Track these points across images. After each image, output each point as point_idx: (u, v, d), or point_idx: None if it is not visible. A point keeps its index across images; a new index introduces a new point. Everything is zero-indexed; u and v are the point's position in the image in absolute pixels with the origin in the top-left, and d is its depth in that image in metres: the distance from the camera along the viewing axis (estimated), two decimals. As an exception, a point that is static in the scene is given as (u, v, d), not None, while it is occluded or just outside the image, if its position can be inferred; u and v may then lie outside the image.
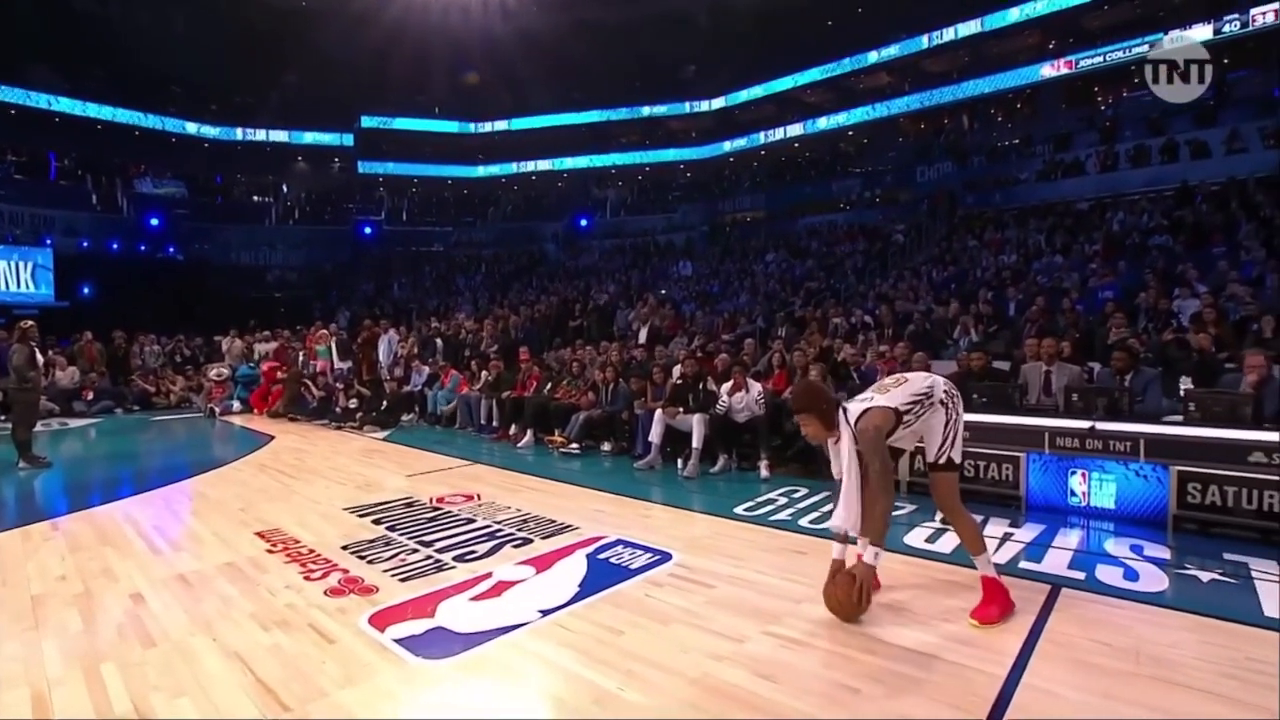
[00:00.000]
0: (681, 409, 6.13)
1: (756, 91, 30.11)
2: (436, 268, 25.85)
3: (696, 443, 5.87)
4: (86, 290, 19.09)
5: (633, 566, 3.58)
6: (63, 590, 3.35)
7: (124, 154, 25.44)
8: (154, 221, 22.97)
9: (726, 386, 6.24)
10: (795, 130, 29.33)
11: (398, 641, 2.73)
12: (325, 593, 3.26)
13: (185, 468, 6.47)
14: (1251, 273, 9.20)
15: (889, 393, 2.98)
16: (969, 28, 24.31)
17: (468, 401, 8.58)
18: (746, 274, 19.06)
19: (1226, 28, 19.35)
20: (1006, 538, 4.05)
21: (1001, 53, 24.24)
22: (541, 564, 3.64)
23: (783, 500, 4.98)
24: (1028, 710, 2.20)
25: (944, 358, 8.01)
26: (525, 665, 2.55)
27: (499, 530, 4.27)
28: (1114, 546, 3.94)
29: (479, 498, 5.11)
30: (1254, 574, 3.42)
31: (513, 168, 33.64)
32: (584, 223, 30.07)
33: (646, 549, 3.84)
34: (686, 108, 31.84)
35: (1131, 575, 3.45)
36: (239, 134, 28.64)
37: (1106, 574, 3.45)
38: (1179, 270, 9.90)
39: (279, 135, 29.53)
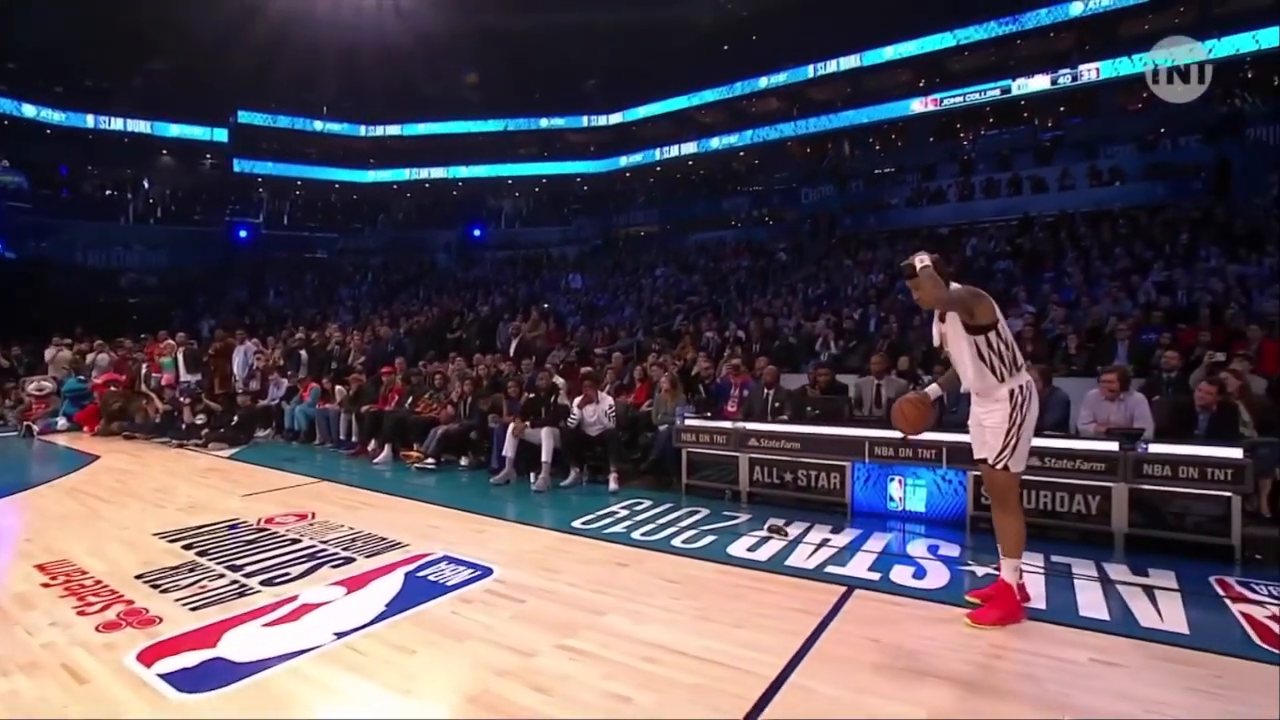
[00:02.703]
0: (530, 423, 6.11)
1: (654, 108, 30.77)
2: (319, 275, 24.53)
3: (546, 456, 5.86)
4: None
5: (450, 583, 3.52)
6: None
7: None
8: (-20, 214, 20.37)
9: (578, 400, 6.28)
10: (690, 148, 30.18)
11: (164, 676, 2.54)
12: (97, 628, 2.98)
13: (-24, 492, 5.75)
14: (1070, 296, 10.31)
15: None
16: (850, 61, 25.98)
17: (326, 416, 8.16)
18: (634, 288, 19.35)
19: (1061, 79, 21.74)
20: (823, 543, 4.29)
21: (878, 87, 26.05)
22: (354, 584, 3.51)
23: (624, 513, 5.05)
24: (786, 709, 2.33)
25: (801, 371, 8.43)
26: (298, 692, 2.44)
27: (322, 550, 4.08)
28: (914, 547, 4.27)
29: (313, 516, 4.87)
30: (1022, 568, 3.78)
31: (405, 174, 32.57)
32: (478, 233, 29.53)
33: (469, 564, 3.79)
34: (585, 121, 32.06)
35: (920, 574, 3.75)
36: (90, 121, 25.99)
37: (899, 574, 3.73)
38: (1013, 292, 10.95)
39: (139, 125, 27.08)
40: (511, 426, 6.00)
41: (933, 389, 3.14)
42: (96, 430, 9.01)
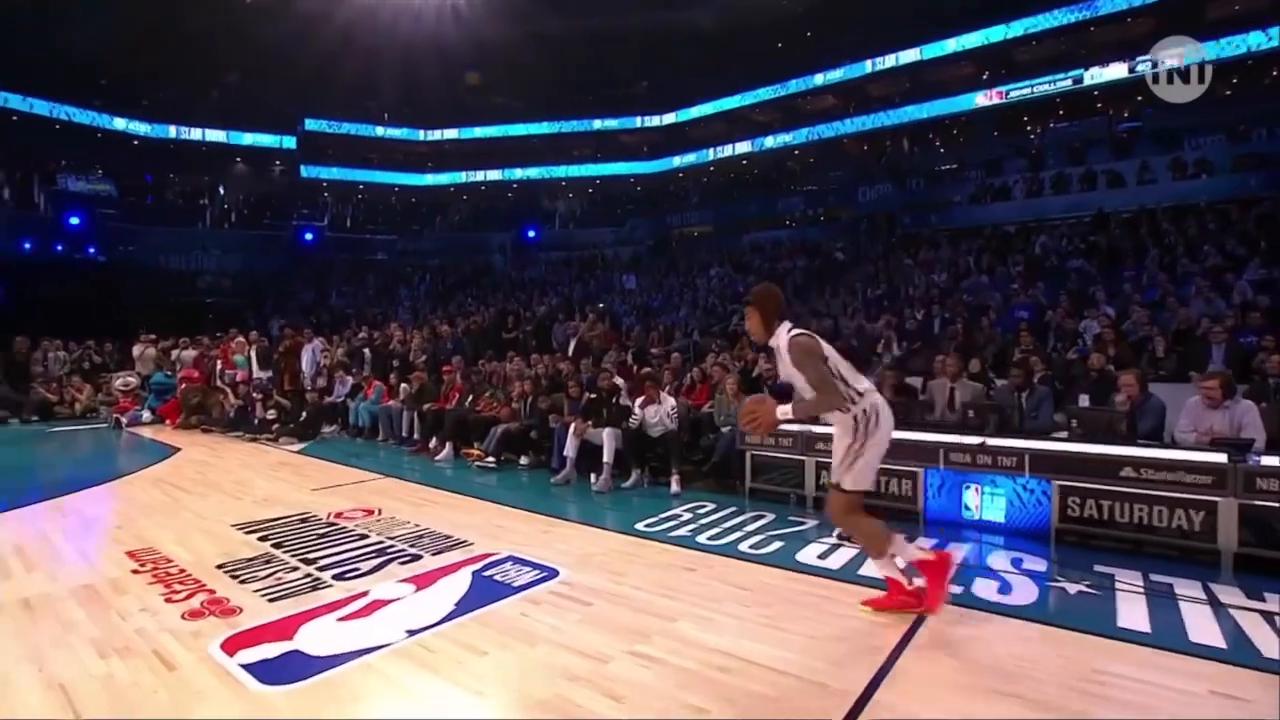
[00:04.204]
0: (593, 423, 6.08)
1: (707, 108, 30.56)
2: (380, 276, 25.28)
3: (608, 457, 5.83)
4: (-8, 292, 17.90)
5: (516, 584, 3.50)
6: (-111, 616, 3.08)
7: (43, 148, 24.09)
8: (74, 221, 21.73)
9: (639, 401, 6.23)
10: (744, 148, 29.86)
11: (246, 667, 2.59)
12: (183, 615, 3.08)
13: (71, 482, 6.08)
14: (1154, 296, 9.71)
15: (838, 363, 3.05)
16: (909, 55, 25.22)
17: (389, 413, 8.35)
18: (689, 288, 19.25)
19: (1139, 67, 20.54)
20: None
21: (939, 80, 25.21)
22: (423, 582, 3.53)
23: (687, 516, 4.97)
24: (872, 728, 2.21)
25: (864, 373, 8.17)
26: (372, 688, 2.45)
27: (390, 546, 4.13)
28: (996, 560, 4.05)
29: (380, 512, 4.95)
30: (1118, 586, 3.55)
31: (462, 177, 33.22)
32: (532, 234, 29.90)
33: (535, 565, 3.77)
34: (638, 122, 32.07)
35: (1006, 589, 3.54)
36: (172, 132, 27.45)
37: (983, 588, 3.54)
38: (1090, 292, 10.39)
39: (216, 135, 28.45)
40: (574, 427, 5.99)
41: (782, 409, 2.97)
42: (177, 423, 9.47)
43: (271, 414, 8.83)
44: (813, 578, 3.69)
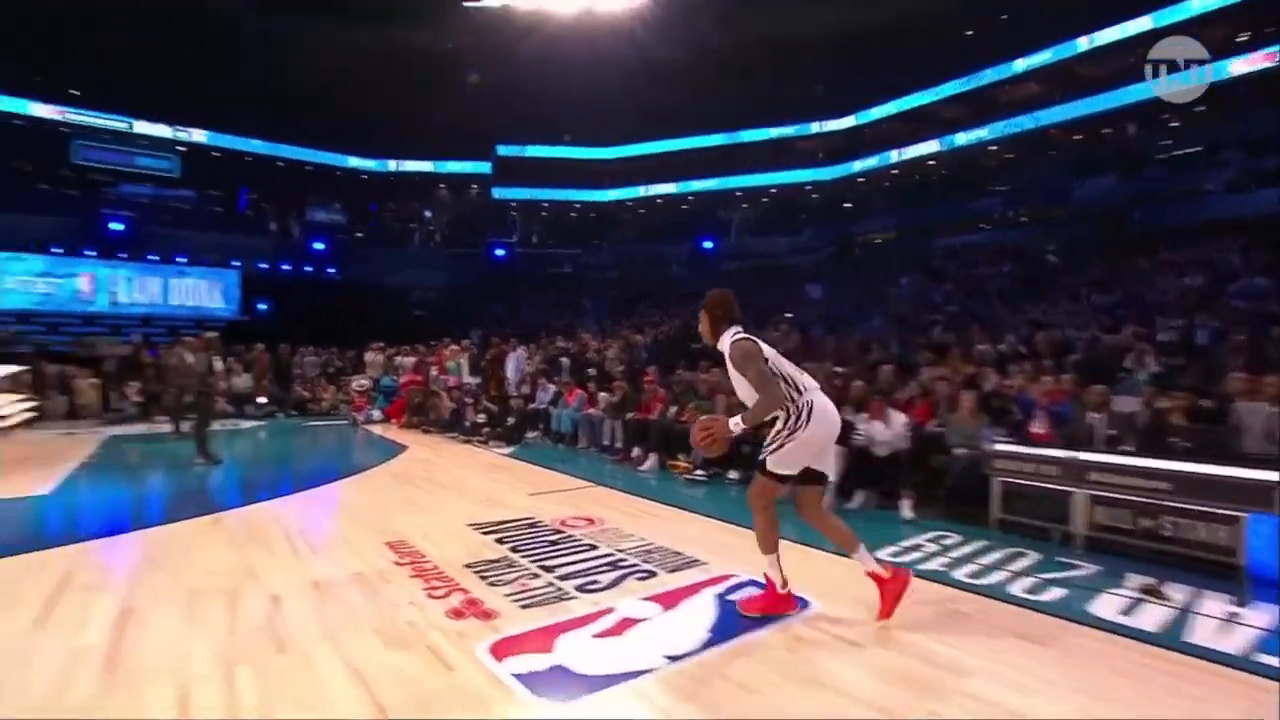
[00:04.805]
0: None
1: (888, 109, 28.87)
2: (564, 289, 26.71)
3: (832, 477, 5.39)
4: (263, 306, 21.51)
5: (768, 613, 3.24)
6: (215, 586, 3.52)
7: (297, 187, 28.57)
8: (318, 246, 25.59)
9: (863, 416, 5.74)
10: (930, 147, 27.75)
11: (517, 676, 2.58)
12: (446, 613, 3.19)
13: (330, 472, 6.87)
14: None
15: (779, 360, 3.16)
16: (1138, 25, 21.89)
17: (591, 421, 8.56)
18: (878, 297, 18.13)
19: None
20: (1231, 618, 3.29)
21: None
22: (667, 601, 3.39)
23: (932, 547, 4.42)
24: None
25: (1119, 391, 6.98)
26: (651, 721, 2.30)
27: (622, 560, 4.06)
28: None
29: (600, 522, 4.96)
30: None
31: (638, 191, 34.25)
32: (708, 245, 30.05)
33: (781, 594, 3.48)
34: (814, 128, 31.07)
35: None
36: (391, 165, 31.23)
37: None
38: None
39: (424, 166, 31.90)
40: (789, 442, 5.64)
41: (733, 421, 3.01)
42: (402, 423, 10.50)
43: (481, 418, 9.44)
44: (1122, 639, 3.03)
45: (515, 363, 10.17)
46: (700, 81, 29.36)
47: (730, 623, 3.13)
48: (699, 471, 6.58)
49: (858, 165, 29.87)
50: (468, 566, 3.88)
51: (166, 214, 24.88)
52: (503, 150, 33.16)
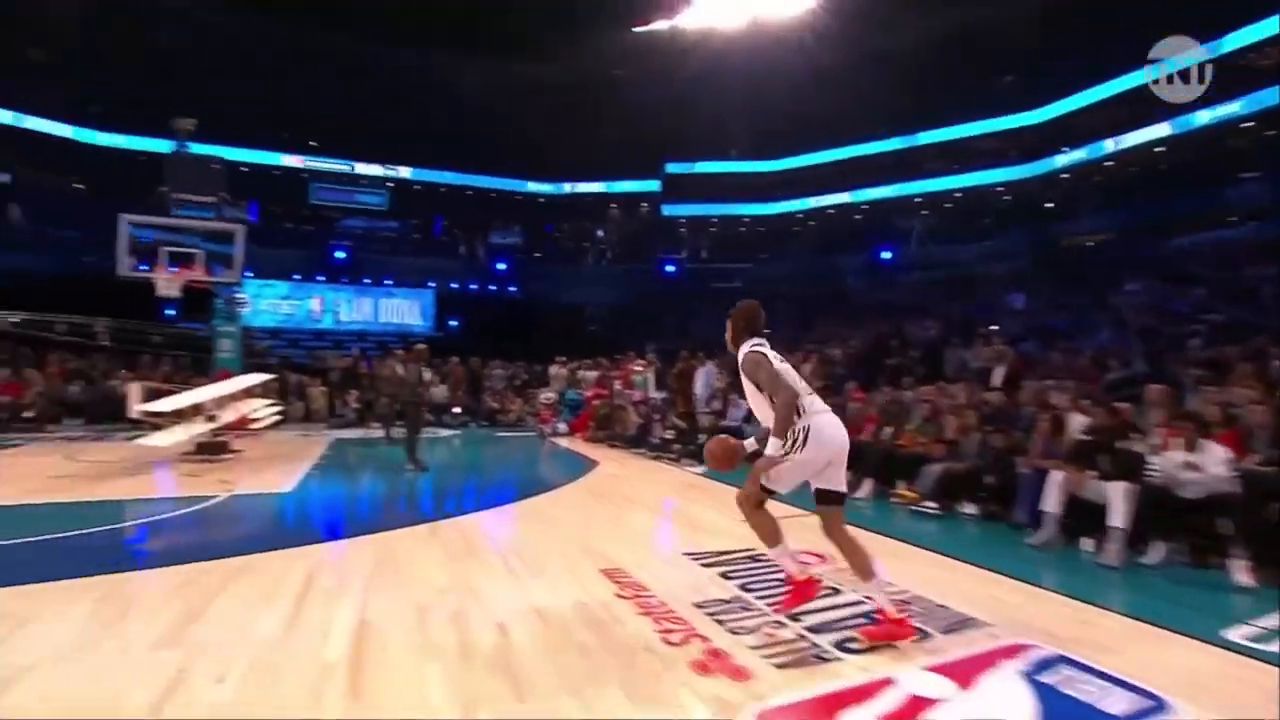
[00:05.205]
0: (1093, 473, 4.60)
1: (1097, 92, 24.92)
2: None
3: (1121, 521, 4.30)
4: (454, 323, 23.42)
5: (1106, 710, 2.41)
6: (442, 605, 3.37)
7: (483, 212, 30.94)
8: (501, 266, 27.47)
9: (1154, 444, 4.56)
10: (1159, 131, 23.54)
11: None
12: (690, 666, 2.73)
13: (529, 485, 6.86)
14: None
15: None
16: None
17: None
18: (1101, 306, 15.65)
19: None
20: None
21: None
22: (960, 676, 2.66)
23: (1301, 631, 3.24)
24: None
25: None
26: None
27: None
28: None
29: (832, 560, 4.28)
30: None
31: (809, 202, 32.91)
32: (887, 255, 28.08)
33: (1116, 682, 2.61)
34: (1003, 124, 27.87)
35: None
36: (565, 188, 32.77)
37: None
38: None
39: (596, 186, 33.06)
40: (1062, 476, 4.61)
41: (749, 441, 3.37)
42: (587, 436, 10.51)
43: (670, 434, 9.13)
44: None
45: (705, 378, 9.74)
46: (870, 85, 27.62)
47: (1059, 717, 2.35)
48: (928, 503, 5.66)
49: (1060, 160, 26.22)
50: (698, 606, 3.42)
51: (377, 243, 28.11)
52: (671, 168, 33.48)
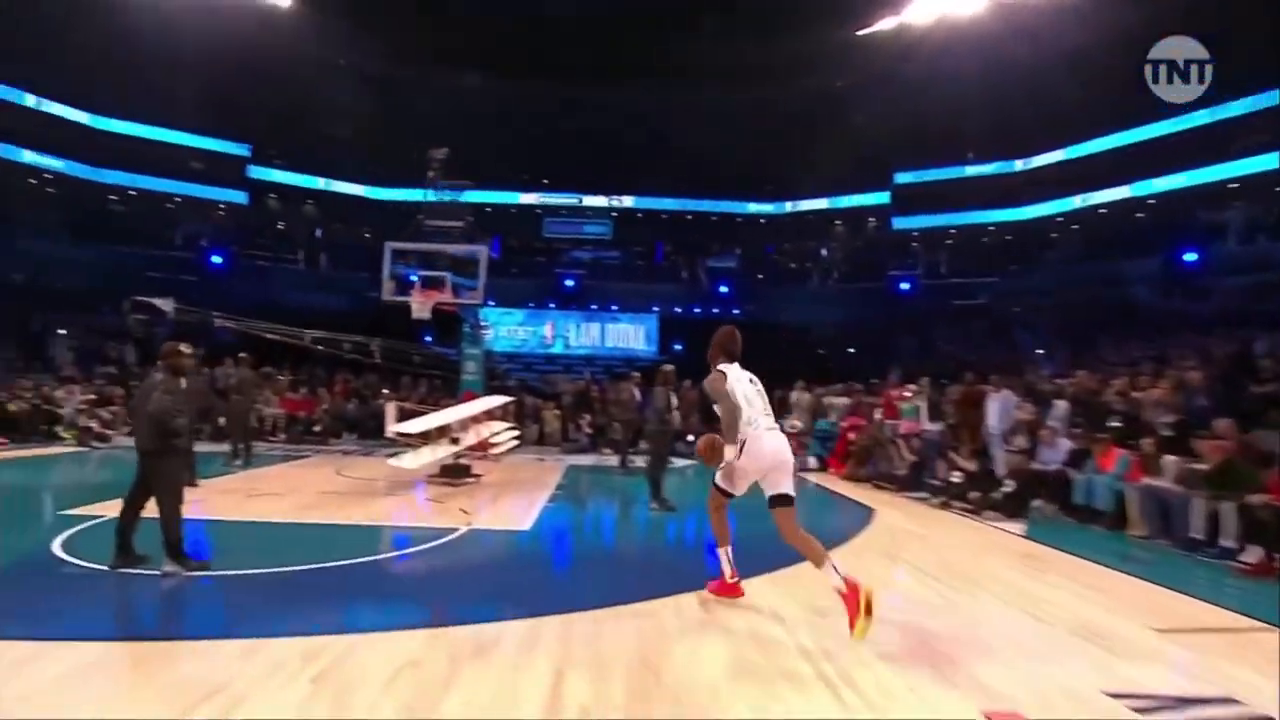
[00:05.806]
0: None
1: None
2: (984, 321, 22.80)
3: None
4: (677, 346, 23.13)
5: None
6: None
7: (703, 236, 30.69)
8: (723, 289, 27.02)
9: None
10: None
11: None
12: None
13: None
14: None
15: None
16: None
17: (1159, 498, 5.59)
18: None
19: None
20: None
21: None
22: None
23: None
24: None
25: None
26: None
27: None
28: None
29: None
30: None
31: (1073, 202, 27.67)
32: (1193, 256, 22.30)
33: None
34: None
35: None
36: (787, 207, 31.34)
37: None
38: None
39: (819, 203, 31.17)
40: None
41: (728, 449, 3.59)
42: (844, 473, 8.87)
43: (956, 476, 7.20)
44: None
45: (1000, 408, 7.57)
46: (1143, 51, 22.20)
47: None
48: None
49: None
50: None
51: (602, 270, 29.21)
52: (901, 178, 30.52)
